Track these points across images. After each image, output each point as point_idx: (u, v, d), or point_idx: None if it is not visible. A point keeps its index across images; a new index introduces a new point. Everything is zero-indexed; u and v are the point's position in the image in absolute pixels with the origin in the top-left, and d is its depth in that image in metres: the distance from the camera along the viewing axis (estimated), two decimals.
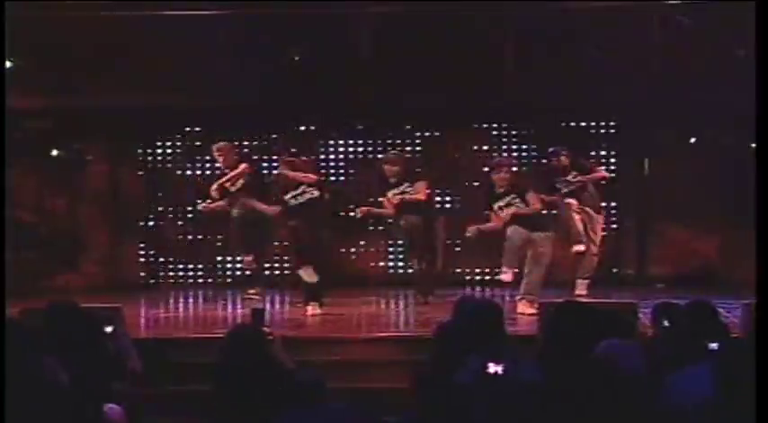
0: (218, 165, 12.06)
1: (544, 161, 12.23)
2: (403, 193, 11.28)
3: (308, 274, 10.54)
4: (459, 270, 13.15)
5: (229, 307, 11.51)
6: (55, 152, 13.19)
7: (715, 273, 12.63)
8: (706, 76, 11.63)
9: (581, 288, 11.35)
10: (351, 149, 13.46)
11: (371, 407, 6.01)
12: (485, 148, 13.32)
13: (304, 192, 10.78)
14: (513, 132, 13.34)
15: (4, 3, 10.25)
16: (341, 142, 13.45)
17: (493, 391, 5.27)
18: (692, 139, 12.63)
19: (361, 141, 13.43)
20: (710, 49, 11.63)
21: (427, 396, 5.35)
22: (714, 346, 5.95)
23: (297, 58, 12.22)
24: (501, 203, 10.78)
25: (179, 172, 13.53)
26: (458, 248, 12.63)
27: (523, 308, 10.30)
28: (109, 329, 7.29)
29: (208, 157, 13.18)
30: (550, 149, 11.80)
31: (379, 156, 12.74)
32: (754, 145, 12.53)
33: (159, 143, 13.55)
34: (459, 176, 13.19)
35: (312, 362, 8.19)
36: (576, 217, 11.41)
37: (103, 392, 6.03)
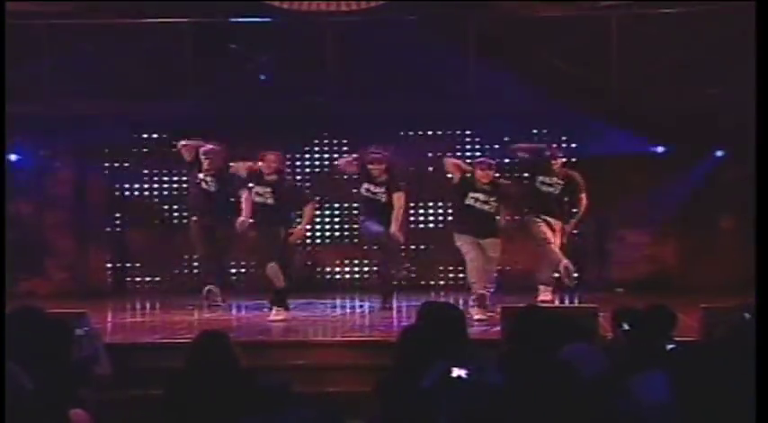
0: (183, 171, 12.08)
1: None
2: (375, 193, 11.29)
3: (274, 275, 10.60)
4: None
5: (195, 313, 11.50)
6: (20, 159, 13.20)
7: (672, 277, 12.79)
8: (662, 82, 11.85)
9: (544, 294, 11.45)
10: (315, 156, 13.53)
11: (336, 411, 6.05)
12: (449, 153, 13.43)
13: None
14: (474, 138, 13.46)
15: (4, 3, 10.25)
16: (306, 148, 13.53)
17: (456, 395, 5.32)
18: (660, 149, 12.78)
19: (325, 149, 13.52)
20: (666, 56, 11.86)
21: (391, 400, 5.40)
22: (671, 347, 6.04)
23: (263, 78, 12.29)
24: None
25: (144, 178, 13.54)
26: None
27: (477, 314, 10.41)
28: (80, 332, 7.31)
29: (173, 163, 13.22)
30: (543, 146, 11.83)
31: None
32: (719, 153, 12.81)
33: (124, 150, 13.55)
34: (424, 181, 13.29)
35: (276, 366, 8.27)
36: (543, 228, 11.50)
37: (69, 397, 6.04)
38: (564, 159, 11.66)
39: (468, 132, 13.46)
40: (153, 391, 7.43)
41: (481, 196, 10.91)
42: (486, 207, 10.91)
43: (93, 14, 11.82)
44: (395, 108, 12.52)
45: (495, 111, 12.52)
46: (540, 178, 11.57)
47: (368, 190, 11.30)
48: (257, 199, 10.90)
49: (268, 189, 10.88)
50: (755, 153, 6.48)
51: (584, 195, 11.61)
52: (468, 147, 13.46)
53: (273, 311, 10.66)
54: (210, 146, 11.60)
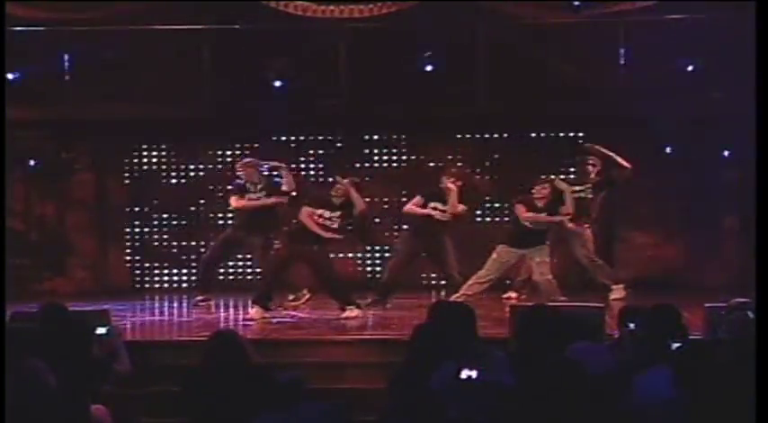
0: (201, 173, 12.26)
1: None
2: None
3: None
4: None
5: (212, 311, 11.66)
6: (43, 162, 13.39)
7: (676, 277, 12.84)
8: (661, 88, 12.00)
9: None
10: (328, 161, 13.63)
11: (349, 407, 6.19)
12: (459, 157, 13.56)
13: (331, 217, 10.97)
14: (484, 142, 13.58)
15: (4, 3, 10.40)
16: (320, 152, 13.65)
17: (466, 393, 5.43)
18: (668, 149, 12.89)
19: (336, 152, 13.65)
20: (665, 64, 12.00)
21: (402, 397, 5.52)
22: (676, 345, 6.13)
23: (277, 84, 12.45)
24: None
25: (163, 180, 13.71)
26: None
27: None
28: (101, 330, 7.46)
29: (192, 166, 13.40)
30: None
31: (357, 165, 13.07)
32: (726, 153, 12.93)
33: (144, 152, 13.73)
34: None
35: (290, 363, 8.39)
36: None
37: (90, 393, 6.18)
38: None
39: (477, 136, 13.61)
40: (171, 387, 7.60)
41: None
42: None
43: (113, 20, 11.98)
44: (406, 112, 12.70)
45: (505, 114, 12.69)
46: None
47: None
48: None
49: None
50: (756, 154, 6.57)
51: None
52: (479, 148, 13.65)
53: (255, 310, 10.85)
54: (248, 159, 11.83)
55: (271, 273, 11.06)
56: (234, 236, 11.82)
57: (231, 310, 11.82)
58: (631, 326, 6.82)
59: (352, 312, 10.79)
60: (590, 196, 11.91)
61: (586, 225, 11.96)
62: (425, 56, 12.37)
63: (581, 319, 7.37)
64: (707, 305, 8.41)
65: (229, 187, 12.09)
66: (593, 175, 11.91)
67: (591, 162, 11.91)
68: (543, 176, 11.53)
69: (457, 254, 11.80)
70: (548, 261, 11.18)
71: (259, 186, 11.55)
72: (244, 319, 10.69)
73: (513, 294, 11.90)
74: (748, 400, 4.99)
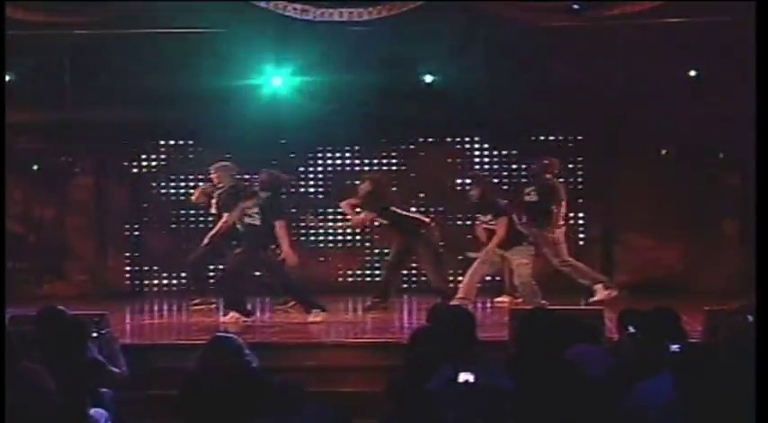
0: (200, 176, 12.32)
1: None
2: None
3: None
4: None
5: (211, 314, 11.65)
6: (42, 165, 13.39)
7: (676, 280, 12.85)
8: (664, 92, 12.01)
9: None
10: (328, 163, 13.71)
11: (347, 411, 6.18)
12: (458, 161, 13.58)
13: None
14: (486, 145, 13.60)
15: (4, 3, 10.43)
16: (328, 155, 13.68)
17: (464, 396, 5.45)
18: (663, 152, 12.92)
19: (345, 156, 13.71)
20: (668, 68, 12.04)
21: (401, 401, 5.52)
22: (675, 347, 6.14)
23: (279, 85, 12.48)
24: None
25: (162, 183, 13.73)
26: None
27: None
28: (98, 334, 7.47)
29: (190, 169, 13.41)
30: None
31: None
32: (720, 155, 12.97)
33: (143, 156, 13.75)
34: (434, 189, 13.43)
35: (289, 367, 8.41)
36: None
37: (89, 397, 6.19)
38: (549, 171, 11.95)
39: (477, 139, 13.63)
40: (170, 390, 7.59)
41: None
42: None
43: (113, 25, 12.01)
44: (406, 115, 12.70)
45: (506, 118, 12.71)
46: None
47: None
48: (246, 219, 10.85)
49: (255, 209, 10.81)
50: (756, 157, 6.58)
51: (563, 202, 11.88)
52: (477, 154, 13.66)
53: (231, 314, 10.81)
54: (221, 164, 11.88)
55: (231, 277, 10.96)
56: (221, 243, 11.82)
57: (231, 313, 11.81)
58: (631, 329, 6.84)
59: (316, 317, 10.63)
60: (534, 199, 11.86)
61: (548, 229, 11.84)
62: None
63: (580, 322, 7.37)
64: (706, 308, 8.43)
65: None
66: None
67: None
68: None
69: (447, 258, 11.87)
70: (527, 263, 11.14)
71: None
72: (221, 323, 10.65)
73: (507, 298, 11.88)
74: (748, 403, 5.02)
